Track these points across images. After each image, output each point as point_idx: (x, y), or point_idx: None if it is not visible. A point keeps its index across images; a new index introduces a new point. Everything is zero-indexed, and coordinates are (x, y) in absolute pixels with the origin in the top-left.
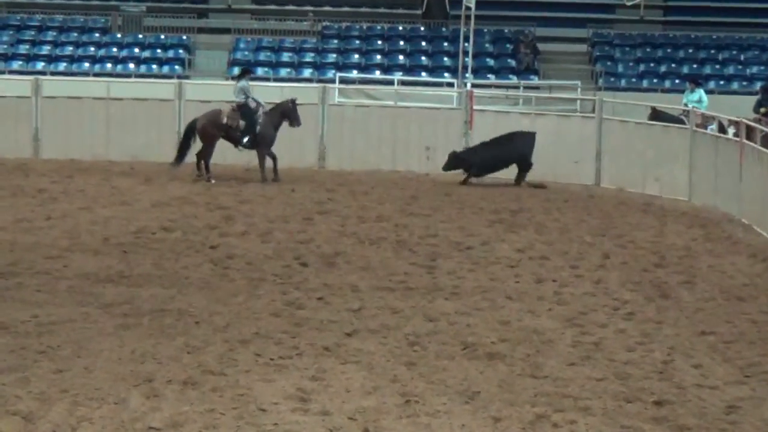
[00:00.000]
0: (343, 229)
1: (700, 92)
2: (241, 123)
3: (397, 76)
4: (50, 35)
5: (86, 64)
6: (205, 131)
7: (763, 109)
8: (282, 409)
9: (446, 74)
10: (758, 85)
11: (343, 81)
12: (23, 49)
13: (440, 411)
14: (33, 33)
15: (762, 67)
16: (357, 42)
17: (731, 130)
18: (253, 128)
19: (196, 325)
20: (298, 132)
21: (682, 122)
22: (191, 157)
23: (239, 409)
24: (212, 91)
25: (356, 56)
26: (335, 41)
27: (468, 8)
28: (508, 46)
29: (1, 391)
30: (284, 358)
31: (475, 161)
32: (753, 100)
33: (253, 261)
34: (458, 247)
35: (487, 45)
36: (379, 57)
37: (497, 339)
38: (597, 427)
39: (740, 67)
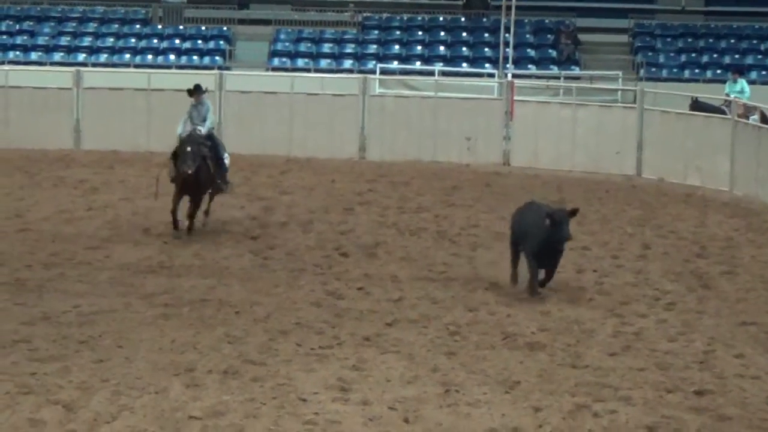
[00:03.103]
0: (383, 219)
1: (742, 83)
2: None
3: (438, 66)
4: (91, 27)
5: (127, 56)
6: None
7: None
8: (322, 398)
9: (487, 65)
10: None
11: (383, 72)
12: (64, 40)
13: (480, 401)
14: (74, 25)
15: None
16: (397, 33)
17: None
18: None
19: (237, 316)
20: (339, 123)
21: (723, 112)
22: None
23: (279, 399)
24: (252, 81)
25: (397, 47)
26: (376, 32)
27: None
28: (548, 36)
29: (43, 381)
30: (325, 348)
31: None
32: None
33: (293, 252)
34: (499, 238)
35: (527, 36)
36: (419, 48)
37: (537, 329)
38: (637, 417)
39: None
